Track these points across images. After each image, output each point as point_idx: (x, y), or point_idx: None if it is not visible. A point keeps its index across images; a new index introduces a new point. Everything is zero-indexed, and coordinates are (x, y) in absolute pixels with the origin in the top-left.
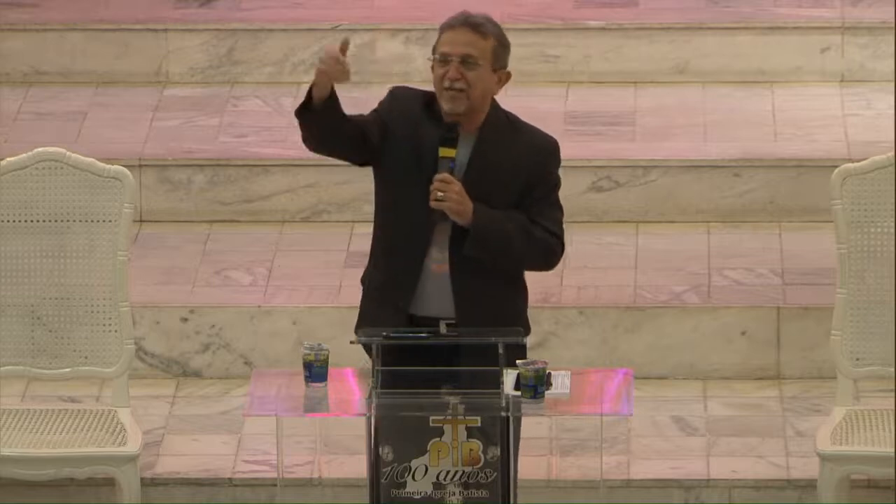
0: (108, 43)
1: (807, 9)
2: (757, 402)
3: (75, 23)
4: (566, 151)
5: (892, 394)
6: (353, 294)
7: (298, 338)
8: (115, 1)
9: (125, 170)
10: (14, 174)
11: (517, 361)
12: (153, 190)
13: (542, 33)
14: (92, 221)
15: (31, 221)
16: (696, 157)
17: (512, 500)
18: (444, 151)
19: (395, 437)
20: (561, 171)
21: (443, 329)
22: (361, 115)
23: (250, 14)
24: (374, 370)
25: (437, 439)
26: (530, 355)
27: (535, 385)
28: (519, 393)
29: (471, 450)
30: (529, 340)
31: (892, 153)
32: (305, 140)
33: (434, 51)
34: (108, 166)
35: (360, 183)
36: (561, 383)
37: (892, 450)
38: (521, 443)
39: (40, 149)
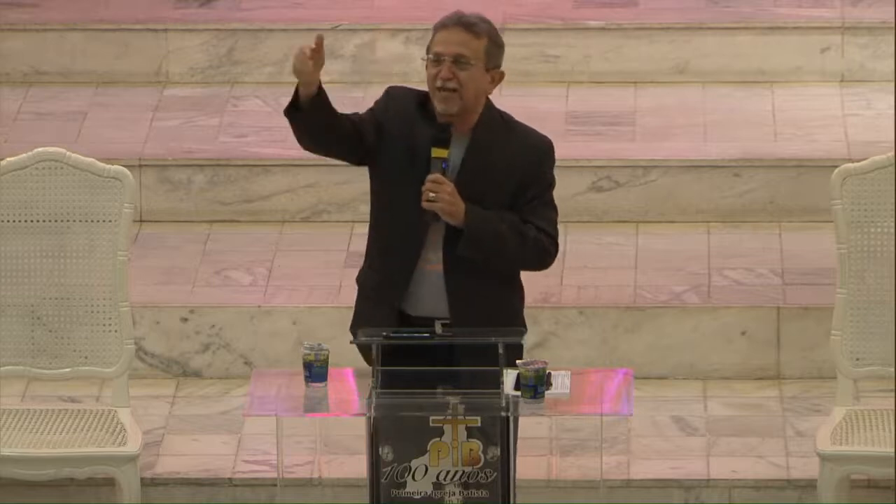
0: (108, 43)
1: (807, 9)
2: (757, 402)
3: (75, 23)
4: (566, 151)
5: (892, 394)
6: (353, 294)
7: (298, 338)
8: (115, 1)
9: (125, 170)
10: (14, 174)
11: (517, 361)
12: (153, 190)
13: (542, 33)
14: (92, 221)
15: (31, 221)
16: (696, 157)
17: (511, 500)
18: (437, 152)
19: (395, 437)
20: (561, 172)
21: (438, 329)
22: (357, 114)
23: (250, 14)
24: (374, 370)
25: (437, 439)
26: (530, 355)
27: (535, 385)
28: (519, 393)
29: (471, 450)
30: (529, 340)
31: (892, 153)
32: (299, 139)
33: (428, 50)
34: (108, 166)
35: (360, 183)
36: (561, 383)
37: (892, 450)
38: (521, 443)
39: (40, 149)
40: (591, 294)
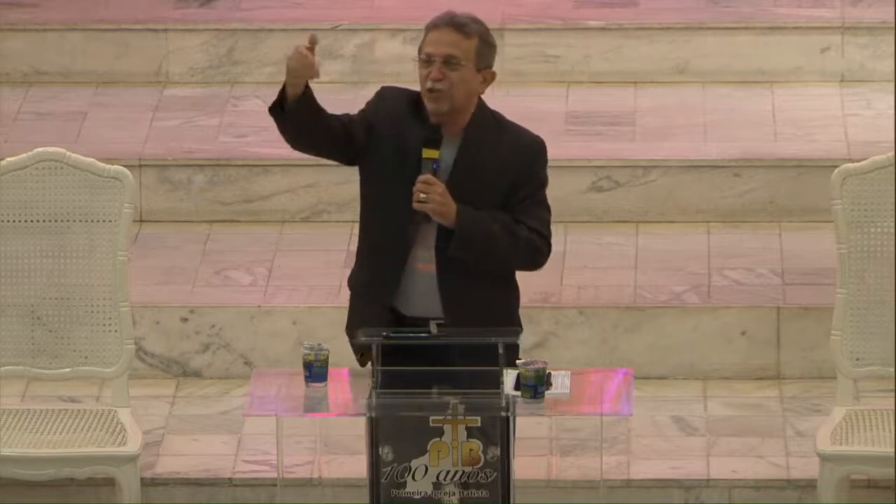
0: (108, 43)
1: (807, 9)
2: (757, 402)
3: (75, 23)
4: (566, 151)
5: (892, 394)
6: None
7: (298, 338)
8: (115, 1)
9: (125, 170)
10: (14, 174)
11: (516, 361)
12: (153, 190)
13: (542, 33)
14: (92, 221)
15: (31, 221)
16: (696, 157)
17: (511, 500)
18: (428, 152)
19: (395, 437)
20: (561, 172)
21: (433, 329)
22: (347, 115)
23: (250, 14)
24: (374, 370)
25: (437, 439)
26: (530, 355)
27: (535, 385)
28: (519, 393)
29: (471, 450)
30: (529, 340)
31: (892, 153)
32: (285, 138)
33: (419, 51)
34: (108, 166)
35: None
36: (561, 383)
37: (892, 450)
38: (521, 443)
39: (40, 149)
40: (591, 294)
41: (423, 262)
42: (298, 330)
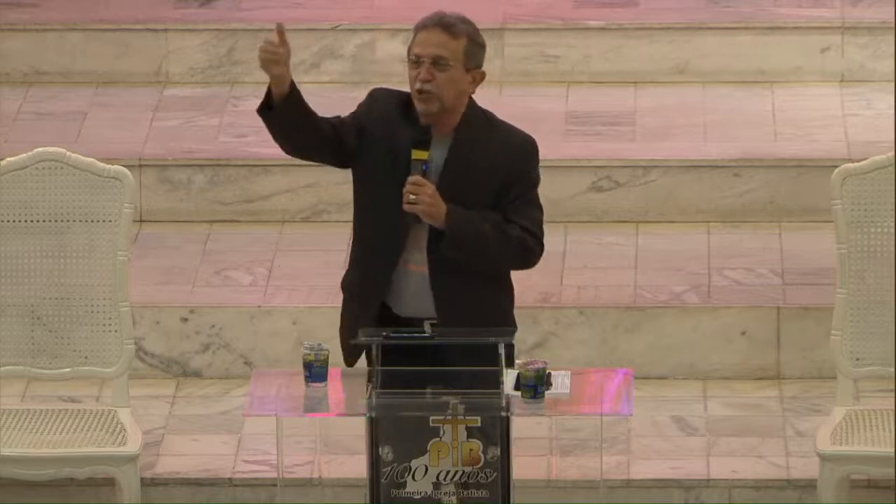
0: (108, 43)
1: (807, 9)
2: (757, 402)
3: (75, 23)
4: (566, 151)
5: (892, 394)
6: None
7: (298, 338)
8: (115, 1)
9: (125, 170)
10: (14, 174)
11: (515, 361)
12: (153, 190)
13: (542, 33)
14: (92, 221)
15: (31, 221)
16: (696, 157)
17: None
18: (417, 154)
19: (395, 437)
20: (561, 172)
21: (427, 329)
22: (339, 117)
23: (250, 14)
24: (374, 370)
25: (437, 439)
26: (531, 355)
27: (535, 385)
28: (519, 393)
29: (471, 450)
30: (529, 340)
31: (892, 153)
32: (275, 139)
33: (409, 52)
34: (108, 166)
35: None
36: (561, 383)
37: (892, 450)
38: (521, 443)
39: (40, 149)
40: (591, 294)
41: (416, 264)
42: (298, 330)
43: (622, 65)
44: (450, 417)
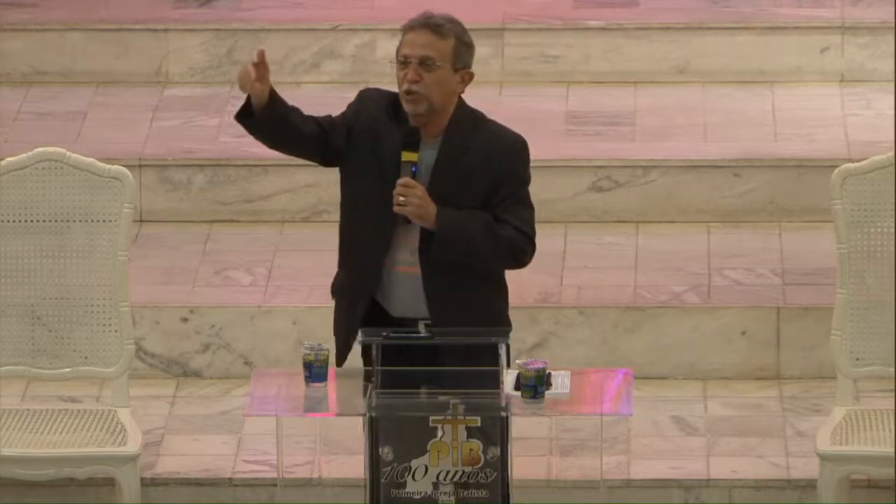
0: (108, 43)
1: (807, 9)
2: (757, 402)
3: (75, 23)
4: (566, 151)
5: (892, 394)
6: None
7: (298, 338)
8: (115, 1)
9: (125, 170)
10: (14, 174)
11: (515, 361)
12: (153, 190)
13: (542, 33)
14: (92, 221)
15: (31, 221)
16: (696, 157)
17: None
18: (407, 155)
19: (395, 437)
20: (561, 172)
21: (421, 329)
22: (329, 116)
23: (250, 14)
24: (374, 370)
25: (437, 439)
26: (531, 355)
27: (535, 385)
28: (519, 393)
29: (471, 450)
30: (529, 340)
31: (892, 153)
32: (256, 138)
33: (397, 53)
34: (108, 166)
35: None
36: (561, 383)
37: (892, 450)
38: (521, 443)
39: (40, 149)
40: (591, 294)
41: (407, 265)
42: (298, 330)
43: (622, 65)
44: (450, 417)
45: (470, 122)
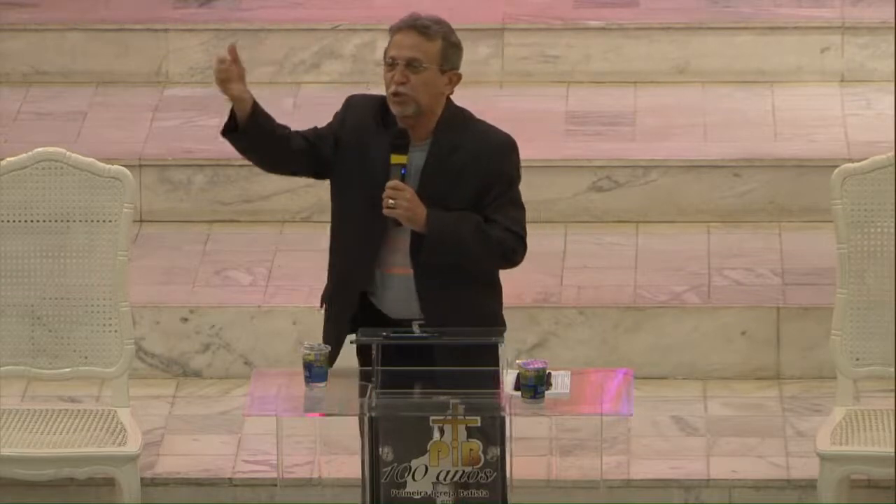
0: (108, 43)
1: (807, 9)
2: (757, 402)
3: (75, 23)
4: (566, 151)
5: (892, 394)
6: None
7: (298, 338)
8: (115, 1)
9: (125, 170)
10: (14, 174)
11: (515, 361)
12: (153, 190)
13: (542, 33)
14: (92, 221)
15: (31, 221)
16: (696, 157)
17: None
18: (396, 158)
19: (395, 437)
20: (561, 172)
21: (416, 329)
22: (315, 128)
23: (250, 14)
24: (373, 370)
25: (437, 439)
26: (531, 355)
27: (535, 385)
28: (519, 393)
29: (471, 450)
30: (529, 340)
31: (892, 153)
32: (252, 162)
33: (385, 54)
34: (108, 166)
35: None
36: (561, 383)
37: (892, 450)
38: (521, 443)
39: (40, 149)
40: (591, 294)
41: (399, 267)
42: (298, 330)
43: (622, 65)
44: (450, 417)
45: (458, 123)
